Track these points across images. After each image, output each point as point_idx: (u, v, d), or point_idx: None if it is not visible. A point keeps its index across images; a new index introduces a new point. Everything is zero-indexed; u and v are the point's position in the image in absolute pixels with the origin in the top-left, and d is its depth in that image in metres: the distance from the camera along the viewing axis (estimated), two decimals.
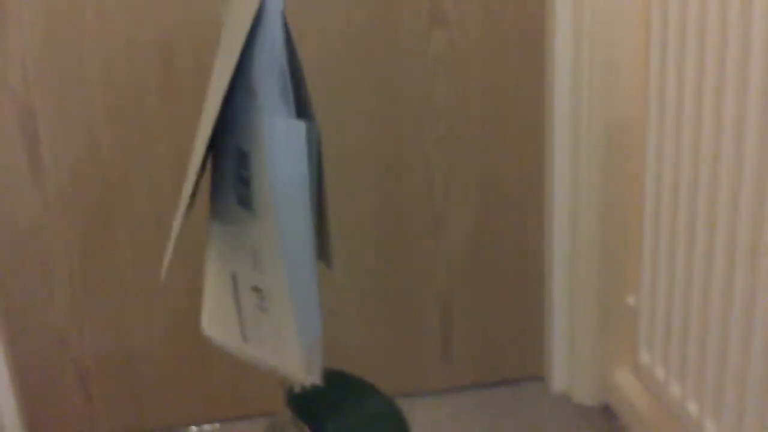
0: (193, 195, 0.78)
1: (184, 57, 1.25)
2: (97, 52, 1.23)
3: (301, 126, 0.73)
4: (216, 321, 0.84)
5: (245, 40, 0.71)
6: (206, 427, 1.45)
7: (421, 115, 1.32)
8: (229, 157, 0.77)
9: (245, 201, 0.75)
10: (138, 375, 1.40)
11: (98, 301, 1.35)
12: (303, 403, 0.88)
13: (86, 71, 1.23)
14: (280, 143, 0.72)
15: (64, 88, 1.24)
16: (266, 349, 0.79)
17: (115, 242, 1.32)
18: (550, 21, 1.30)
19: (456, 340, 1.47)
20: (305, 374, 0.78)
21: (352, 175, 1.34)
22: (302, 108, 0.80)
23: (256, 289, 0.77)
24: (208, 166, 0.83)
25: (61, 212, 1.29)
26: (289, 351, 0.77)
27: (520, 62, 1.32)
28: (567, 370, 1.47)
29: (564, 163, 1.33)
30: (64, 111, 1.24)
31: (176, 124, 1.28)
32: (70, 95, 1.24)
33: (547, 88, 1.33)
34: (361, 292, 1.42)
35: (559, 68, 1.29)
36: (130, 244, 1.32)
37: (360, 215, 1.37)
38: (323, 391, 0.92)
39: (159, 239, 1.31)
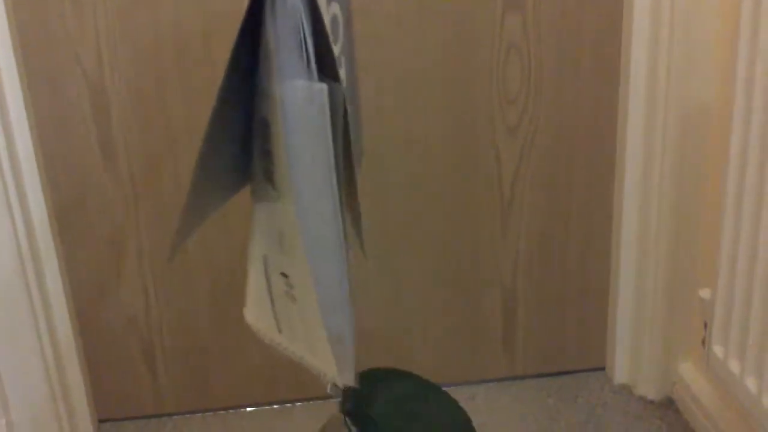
0: (203, 169, 0.70)
1: None
2: (172, 31, 1.24)
3: (321, 88, 0.64)
4: (255, 309, 0.78)
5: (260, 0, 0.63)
6: (266, 408, 1.46)
7: (492, 102, 1.31)
8: (257, 129, 0.69)
9: (270, 177, 0.68)
10: (203, 355, 1.42)
11: (166, 281, 1.36)
12: (358, 405, 0.80)
13: (159, 50, 1.24)
14: (297, 108, 0.63)
15: (137, 68, 1.25)
16: (299, 342, 0.73)
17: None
18: (627, 1, 1.28)
19: (519, 329, 1.47)
20: (336, 374, 0.71)
21: (420, 163, 1.34)
22: (328, 70, 0.68)
23: (284, 275, 0.71)
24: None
25: (132, 191, 1.30)
26: (320, 346, 0.70)
27: (595, 46, 1.31)
28: (630, 362, 1.45)
29: (637, 150, 1.31)
30: (136, 90, 1.26)
31: None
32: (143, 74, 1.25)
33: (623, 72, 1.31)
34: (425, 280, 1.42)
35: (636, 52, 1.26)
36: (199, 230, 1.33)
37: (427, 204, 1.37)
38: (379, 392, 0.85)
39: (228, 219, 1.32)
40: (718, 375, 1.14)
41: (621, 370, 1.47)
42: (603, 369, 1.52)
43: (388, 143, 1.32)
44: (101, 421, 1.44)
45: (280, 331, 0.75)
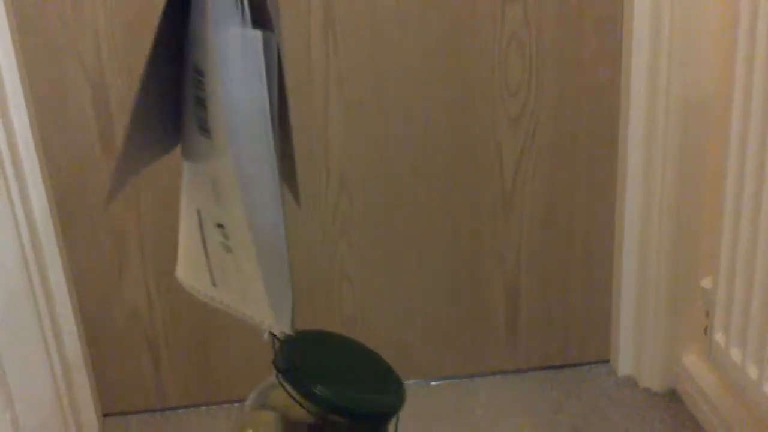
0: (137, 120, 0.71)
1: None
2: None
3: (256, 36, 0.63)
4: (187, 265, 0.77)
5: None
6: None
7: (494, 93, 1.31)
8: (189, 80, 0.69)
9: (204, 127, 0.68)
10: (207, 347, 1.42)
11: (169, 273, 1.36)
12: (290, 364, 0.79)
13: None
14: (232, 56, 0.63)
15: (137, 63, 1.25)
16: (234, 294, 0.73)
17: None
18: None
19: (522, 321, 1.47)
20: (274, 321, 0.71)
21: (421, 155, 1.34)
22: (262, 20, 0.68)
23: (219, 226, 0.70)
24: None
25: (133, 185, 1.31)
26: (256, 295, 0.71)
27: (596, 37, 1.30)
28: (634, 354, 1.45)
29: (638, 141, 1.31)
30: (136, 85, 1.26)
31: None
32: (142, 67, 1.25)
33: (624, 65, 1.30)
34: (427, 272, 1.42)
35: (636, 44, 1.26)
36: None
37: (429, 196, 1.37)
38: (309, 351, 0.83)
39: None
40: (720, 363, 1.13)
41: (625, 362, 1.47)
42: (607, 361, 1.51)
43: (389, 135, 1.32)
44: (105, 415, 1.44)
45: (215, 285, 0.75)
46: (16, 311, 1.25)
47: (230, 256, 0.71)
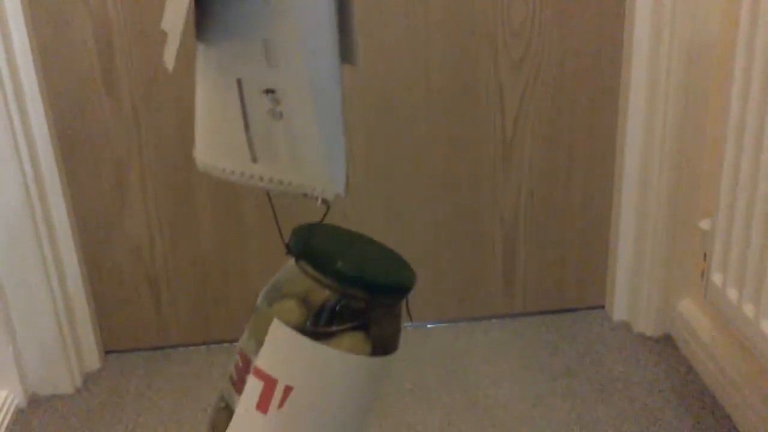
0: None
1: None
2: None
3: None
4: (215, 147, 0.74)
5: None
6: None
7: (496, 36, 1.31)
8: None
9: None
10: (207, 287, 1.43)
11: (170, 211, 1.37)
12: (308, 246, 0.80)
13: None
14: None
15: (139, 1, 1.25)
16: (280, 164, 0.72)
17: (188, 153, 1.34)
18: None
19: (519, 266, 1.48)
20: (329, 184, 0.71)
21: (421, 97, 1.34)
22: None
23: (269, 92, 0.69)
24: None
25: (134, 122, 1.31)
26: (309, 159, 0.70)
27: None
28: (629, 300, 1.47)
29: (641, 85, 1.31)
30: (138, 23, 1.26)
31: None
32: (145, 5, 1.25)
33: (628, 5, 1.30)
34: (426, 217, 1.43)
35: None
36: None
37: (428, 139, 1.37)
38: (322, 237, 0.83)
39: None
40: (716, 304, 1.15)
41: (620, 307, 1.49)
42: (603, 307, 1.53)
43: (389, 78, 1.32)
44: (107, 352, 1.46)
45: (255, 160, 0.73)
46: (20, 248, 1.26)
47: (280, 123, 0.70)
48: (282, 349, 0.79)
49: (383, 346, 0.81)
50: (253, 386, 0.80)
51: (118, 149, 1.32)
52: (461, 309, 1.51)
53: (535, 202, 1.44)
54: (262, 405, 0.79)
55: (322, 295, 0.77)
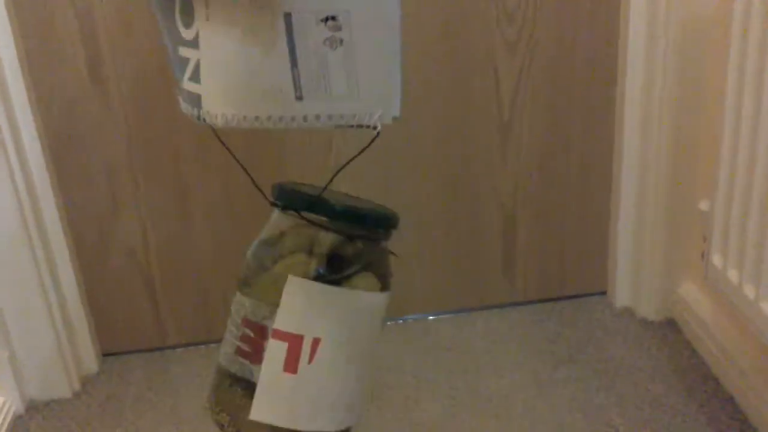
0: None
1: None
2: None
3: None
4: (246, 96, 0.71)
5: None
6: None
7: (490, 16, 1.29)
8: None
9: None
10: (203, 286, 1.42)
11: (163, 211, 1.36)
12: (301, 196, 0.83)
13: None
14: None
15: None
16: (333, 96, 0.70)
17: (178, 151, 1.33)
18: None
19: (519, 253, 1.47)
20: (387, 108, 0.70)
21: (415, 81, 1.33)
22: None
23: (329, 19, 0.67)
24: None
25: (124, 119, 1.29)
26: (370, 85, 0.69)
27: None
28: (631, 285, 1.46)
29: (638, 65, 1.30)
30: (125, 17, 1.24)
31: None
32: (133, 4, 1.24)
33: None
34: (423, 204, 1.41)
35: None
36: (194, 152, 1.33)
37: (424, 124, 1.36)
38: (312, 191, 0.85)
39: (223, 150, 1.31)
40: (717, 286, 1.14)
41: (622, 293, 1.47)
42: (604, 293, 1.52)
43: None
44: (105, 355, 1.45)
45: (301, 98, 0.70)
46: (12, 252, 1.25)
47: (338, 51, 0.68)
48: (303, 303, 0.79)
49: (385, 283, 0.87)
50: (275, 350, 0.80)
51: (108, 149, 1.31)
52: (462, 299, 1.50)
53: (533, 187, 1.42)
54: (290, 366, 0.78)
55: (326, 242, 0.79)
